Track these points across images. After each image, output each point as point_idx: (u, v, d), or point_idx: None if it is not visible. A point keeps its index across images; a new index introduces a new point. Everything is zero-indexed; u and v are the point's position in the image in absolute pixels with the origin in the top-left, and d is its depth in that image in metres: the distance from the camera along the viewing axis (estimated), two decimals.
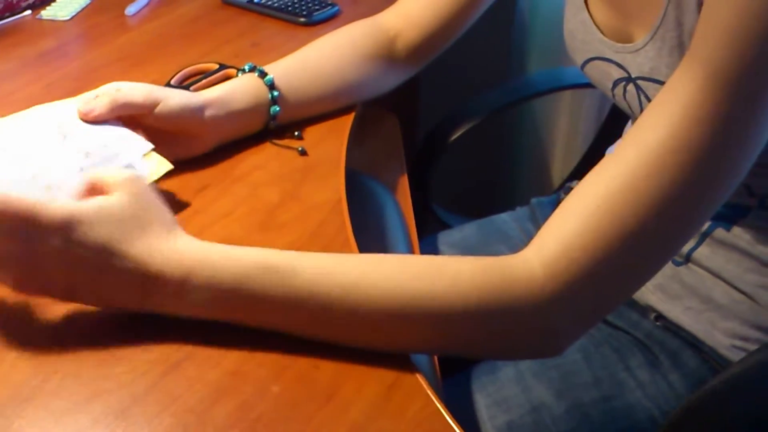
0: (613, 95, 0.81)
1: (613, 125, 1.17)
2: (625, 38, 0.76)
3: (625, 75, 0.76)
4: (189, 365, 0.59)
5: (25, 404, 0.56)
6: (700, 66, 0.57)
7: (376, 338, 0.60)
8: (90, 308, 0.63)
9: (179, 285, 0.58)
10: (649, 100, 0.74)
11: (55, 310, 0.63)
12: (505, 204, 1.13)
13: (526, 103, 1.31)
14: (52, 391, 0.57)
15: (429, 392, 0.57)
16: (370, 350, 0.60)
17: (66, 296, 0.60)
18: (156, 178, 0.73)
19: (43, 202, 0.56)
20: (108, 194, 0.59)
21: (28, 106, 0.76)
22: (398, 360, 0.60)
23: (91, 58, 1.07)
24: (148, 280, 0.58)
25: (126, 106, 0.74)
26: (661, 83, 0.71)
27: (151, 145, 0.73)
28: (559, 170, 1.58)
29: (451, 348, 0.62)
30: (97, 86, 0.96)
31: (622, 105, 0.80)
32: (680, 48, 0.68)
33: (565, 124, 1.53)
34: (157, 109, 0.76)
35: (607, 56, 0.79)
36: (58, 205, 0.56)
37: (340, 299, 0.58)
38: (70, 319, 0.63)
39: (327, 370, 0.59)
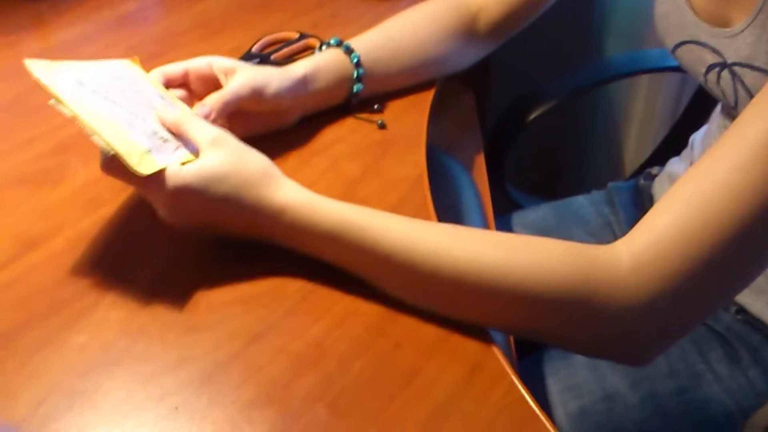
0: (706, 80, 0.78)
1: (696, 110, 1.13)
2: (721, 22, 0.73)
3: (720, 60, 0.74)
4: (272, 336, 0.59)
5: (113, 366, 0.57)
6: None
7: (458, 305, 0.60)
8: (176, 274, 0.64)
9: (285, 230, 0.63)
10: (745, 86, 0.71)
11: (141, 273, 0.64)
12: (577, 186, 1.10)
13: (604, 85, 1.28)
14: (139, 355, 0.58)
15: (513, 378, 0.56)
16: (454, 322, 0.60)
17: (196, 233, 0.66)
18: None
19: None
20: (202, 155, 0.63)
21: None
22: (480, 342, 0.60)
23: (171, 24, 1.07)
24: (260, 224, 0.63)
25: (238, 102, 0.75)
26: (760, 70, 0.68)
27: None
28: (632, 154, 1.55)
29: (530, 328, 0.61)
30: (177, 53, 0.97)
31: (715, 91, 0.78)
32: None
33: (641, 107, 1.49)
34: (262, 97, 0.76)
35: (701, 40, 0.76)
36: (169, 174, 0.61)
37: (423, 259, 0.59)
38: (156, 284, 0.63)
39: (408, 349, 0.59)
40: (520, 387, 0.56)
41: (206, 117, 0.72)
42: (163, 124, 0.66)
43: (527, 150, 1.23)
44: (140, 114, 0.66)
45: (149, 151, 0.61)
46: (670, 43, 0.82)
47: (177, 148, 0.65)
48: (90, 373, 0.56)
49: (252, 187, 0.62)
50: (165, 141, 0.64)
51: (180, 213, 0.63)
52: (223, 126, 0.72)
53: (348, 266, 0.63)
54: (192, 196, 0.61)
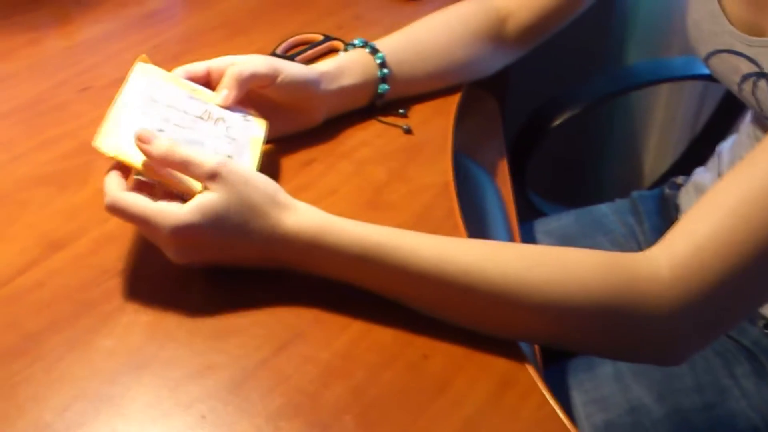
0: (740, 90, 0.77)
1: (720, 120, 1.12)
2: (758, 31, 0.72)
3: (756, 70, 0.73)
4: (300, 344, 0.59)
5: (141, 371, 0.56)
6: None
7: (492, 321, 0.59)
8: (203, 278, 0.64)
9: (301, 256, 0.60)
10: None
11: (167, 276, 0.64)
12: (595, 193, 1.09)
13: (627, 92, 1.27)
14: (167, 360, 0.57)
15: (545, 392, 0.56)
16: (484, 334, 0.59)
17: (204, 266, 0.63)
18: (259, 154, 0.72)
19: (154, 211, 0.58)
20: (206, 190, 0.60)
21: None
22: (510, 354, 0.59)
23: (196, 22, 1.07)
24: (274, 253, 0.61)
25: (253, 77, 0.73)
26: None
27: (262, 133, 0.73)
28: (651, 162, 1.54)
29: (565, 341, 0.61)
30: (201, 52, 0.96)
31: (749, 101, 0.77)
32: None
33: (661, 115, 1.48)
34: (279, 80, 0.74)
35: (737, 49, 0.75)
36: (166, 214, 0.58)
37: (456, 279, 0.58)
38: (183, 288, 0.63)
39: (437, 360, 0.58)
40: (551, 402, 0.55)
41: (225, 100, 0.71)
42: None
43: (546, 157, 1.22)
44: (195, 138, 0.67)
45: None
46: (703, 51, 0.81)
47: (241, 153, 0.68)
48: (117, 378, 0.56)
49: (260, 216, 0.60)
50: (231, 157, 0.67)
51: (184, 252, 0.60)
52: (245, 109, 0.72)
53: (373, 288, 0.61)
54: (194, 233, 0.59)
